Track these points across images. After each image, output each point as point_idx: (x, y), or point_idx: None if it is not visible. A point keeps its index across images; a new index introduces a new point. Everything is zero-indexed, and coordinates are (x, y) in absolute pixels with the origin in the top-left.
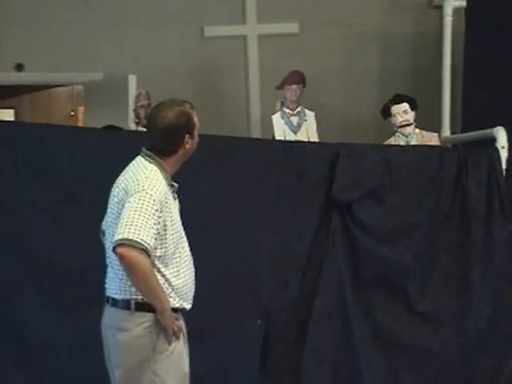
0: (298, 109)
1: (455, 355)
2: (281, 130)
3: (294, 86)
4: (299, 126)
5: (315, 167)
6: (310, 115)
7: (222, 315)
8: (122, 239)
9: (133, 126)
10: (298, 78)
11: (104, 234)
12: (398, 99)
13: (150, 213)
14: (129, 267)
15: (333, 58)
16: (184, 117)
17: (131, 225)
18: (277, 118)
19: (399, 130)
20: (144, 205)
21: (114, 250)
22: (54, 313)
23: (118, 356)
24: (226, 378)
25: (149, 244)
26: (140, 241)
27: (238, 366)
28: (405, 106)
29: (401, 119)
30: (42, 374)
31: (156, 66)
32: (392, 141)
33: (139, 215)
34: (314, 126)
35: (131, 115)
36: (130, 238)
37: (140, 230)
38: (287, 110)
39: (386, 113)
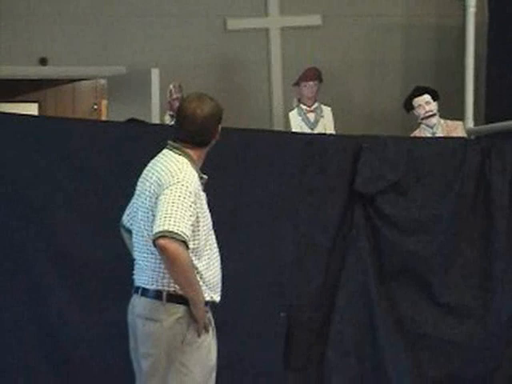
0: (315, 105)
1: (478, 347)
2: (298, 127)
3: (310, 83)
4: (316, 122)
5: (338, 160)
6: (327, 111)
7: (246, 308)
8: (162, 231)
9: (167, 119)
10: (315, 75)
11: (124, 228)
12: (419, 91)
13: (187, 205)
14: (170, 259)
15: (356, 50)
16: (218, 109)
17: (170, 217)
18: (294, 115)
19: (424, 121)
20: (181, 197)
21: (154, 242)
22: (79, 305)
23: (148, 346)
24: (250, 370)
25: (187, 236)
26: (180, 233)
27: (262, 358)
28: (427, 97)
29: (424, 111)
30: (69, 366)
31: (179, 59)
32: (417, 133)
33: (177, 207)
34: (332, 121)
35: (154, 109)
36: (171, 229)
37: (179, 222)
38: (304, 107)
39: (409, 106)
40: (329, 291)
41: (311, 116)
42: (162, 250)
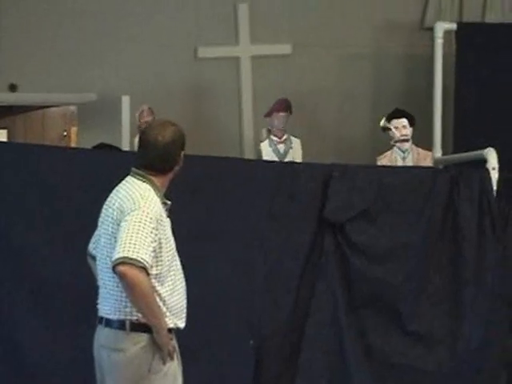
0: (285, 136)
1: (448, 375)
2: (269, 158)
3: (281, 114)
4: (286, 153)
5: (308, 188)
6: (296, 142)
7: (215, 334)
8: (122, 257)
9: (137, 142)
10: (286, 106)
11: (91, 256)
12: (398, 114)
13: (148, 231)
14: (130, 285)
15: (325, 79)
16: (180, 135)
17: (130, 243)
18: (265, 146)
19: (397, 144)
20: (141, 223)
21: (113, 268)
22: (51, 329)
23: (114, 376)
24: None
25: (147, 262)
26: (140, 259)
27: None
28: (404, 121)
29: (400, 133)
30: None
31: (150, 86)
32: (389, 155)
33: (137, 233)
34: (300, 152)
35: (125, 135)
36: (130, 256)
37: (139, 248)
38: (275, 138)
39: (385, 126)
40: (298, 319)
41: (281, 147)
42: (122, 277)
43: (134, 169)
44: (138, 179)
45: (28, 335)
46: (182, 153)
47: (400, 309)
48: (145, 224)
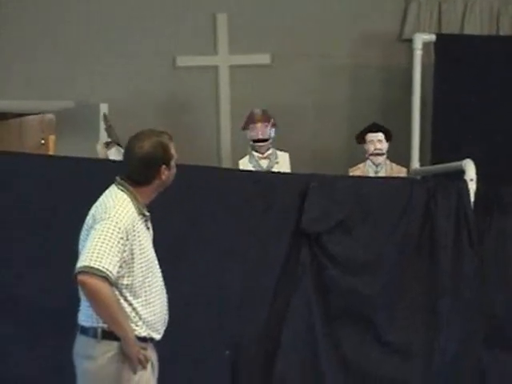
0: (269, 151)
1: None
2: None
3: (258, 125)
4: (270, 169)
5: (285, 198)
6: (283, 156)
7: (191, 345)
8: (83, 266)
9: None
10: (262, 116)
11: None
12: (375, 128)
13: (115, 241)
14: (90, 295)
15: (304, 90)
16: (161, 147)
17: (93, 252)
18: (244, 163)
19: (371, 157)
20: (109, 232)
21: (75, 277)
22: (23, 345)
23: None
24: None
25: (111, 272)
26: (101, 268)
27: None
28: (380, 135)
29: (374, 147)
30: None
31: (128, 94)
32: (361, 167)
33: (102, 242)
34: (288, 167)
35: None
36: (91, 265)
37: (102, 258)
38: (256, 154)
39: (361, 139)
40: (274, 329)
41: (264, 162)
42: (82, 286)
43: (117, 177)
44: (118, 188)
45: (10, 347)
46: (164, 167)
47: (376, 320)
48: (112, 234)
